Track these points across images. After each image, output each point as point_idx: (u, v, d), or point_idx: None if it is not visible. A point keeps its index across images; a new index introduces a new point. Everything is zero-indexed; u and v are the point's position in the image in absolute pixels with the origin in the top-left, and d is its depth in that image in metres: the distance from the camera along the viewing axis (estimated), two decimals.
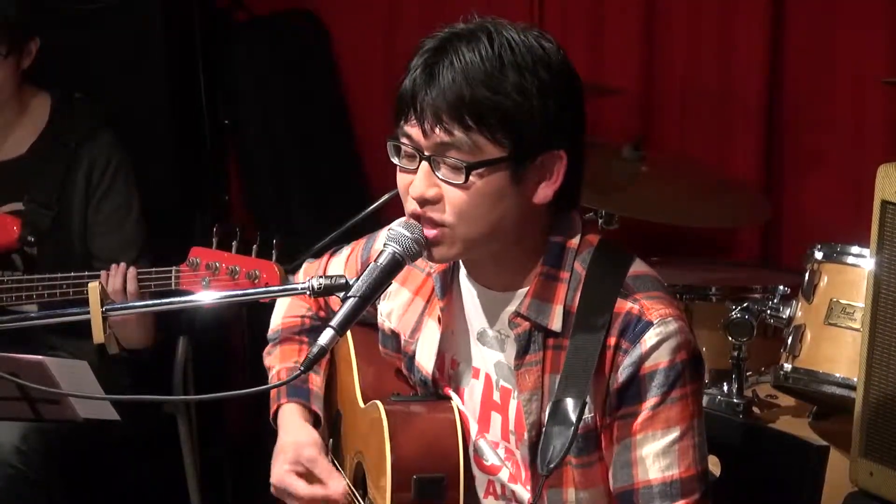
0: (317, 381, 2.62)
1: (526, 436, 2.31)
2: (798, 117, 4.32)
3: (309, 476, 2.49)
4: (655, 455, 2.23)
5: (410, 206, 2.24)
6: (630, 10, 4.41)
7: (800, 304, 3.26)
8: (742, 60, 4.32)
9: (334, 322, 2.17)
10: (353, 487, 2.54)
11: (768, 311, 3.35)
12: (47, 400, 3.24)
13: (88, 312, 2.27)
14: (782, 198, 4.33)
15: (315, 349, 2.15)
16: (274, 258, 3.36)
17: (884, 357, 2.77)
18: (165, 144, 4.37)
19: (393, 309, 2.52)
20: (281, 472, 2.49)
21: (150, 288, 3.44)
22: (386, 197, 3.79)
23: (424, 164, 2.21)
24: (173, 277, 3.43)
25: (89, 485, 3.83)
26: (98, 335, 2.27)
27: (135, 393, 3.78)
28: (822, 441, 2.78)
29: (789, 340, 3.23)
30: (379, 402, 2.43)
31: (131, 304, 2.41)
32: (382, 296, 2.48)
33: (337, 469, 2.57)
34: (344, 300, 2.20)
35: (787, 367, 3.22)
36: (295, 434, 2.53)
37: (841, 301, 3.14)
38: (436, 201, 2.21)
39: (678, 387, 2.22)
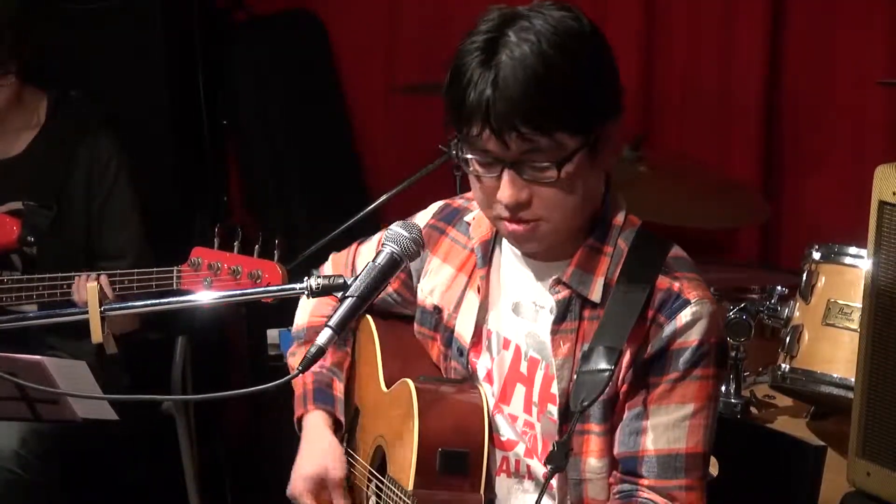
0: (340, 387, 2.64)
1: (557, 401, 2.33)
2: (797, 118, 4.32)
3: (323, 497, 2.53)
4: (665, 426, 2.28)
5: (496, 211, 2.27)
6: (630, 10, 4.41)
7: (797, 304, 3.26)
8: (742, 61, 4.32)
9: (332, 322, 2.19)
10: (372, 473, 2.55)
11: (766, 312, 3.35)
12: (46, 400, 3.24)
13: (87, 312, 2.27)
14: (781, 198, 4.33)
15: (313, 349, 2.16)
16: (276, 258, 3.36)
17: (881, 357, 2.78)
18: (165, 144, 4.37)
19: (436, 286, 2.53)
20: (301, 489, 2.54)
21: (152, 287, 3.44)
22: (385, 197, 3.80)
23: (508, 171, 2.23)
24: (175, 277, 3.43)
25: (89, 487, 3.83)
26: (97, 335, 2.27)
27: (133, 393, 3.78)
28: (820, 441, 2.78)
29: (787, 341, 3.23)
30: (409, 380, 2.45)
31: (130, 304, 2.41)
32: (424, 270, 2.52)
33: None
34: (342, 300, 2.22)
35: (785, 367, 3.22)
36: (323, 449, 2.56)
37: (838, 301, 3.15)
38: (529, 203, 2.25)
39: (701, 366, 2.27)
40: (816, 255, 3.22)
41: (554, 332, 2.34)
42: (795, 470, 2.60)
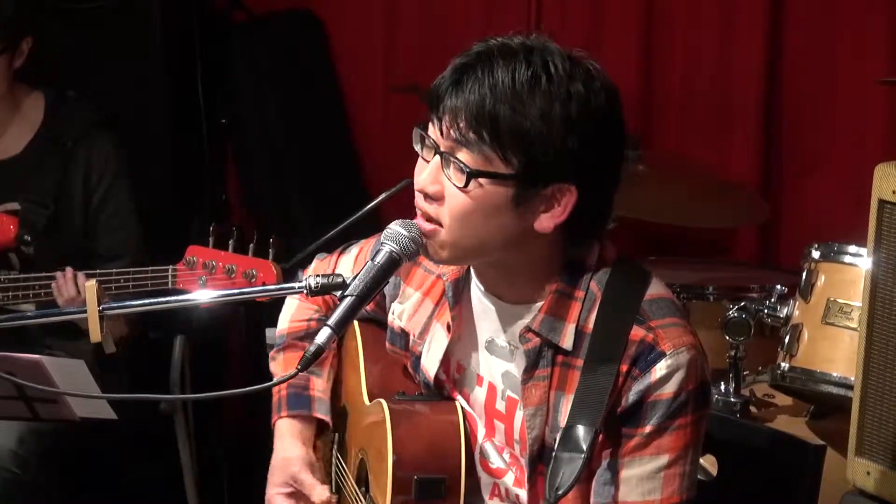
0: (319, 384, 2.62)
1: (528, 449, 2.31)
2: (796, 117, 4.32)
3: (298, 495, 2.52)
4: (639, 478, 2.24)
5: (416, 199, 2.26)
6: (629, 10, 4.41)
7: (797, 303, 3.26)
8: (741, 60, 4.33)
9: (331, 321, 2.17)
10: (356, 485, 2.55)
11: (766, 311, 3.35)
12: (44, 399, 3.24)
13: (85, 311, 2.27)
14: (780, 197, 4.33)
15: (312, 348, 2.15)
16: (271, 257, 3.35)
17: (881, 356, 2.77)
18: (164, 144, 4.37)
19: (404, 310, 2.52)
20: (271, 494, 2.54)
21: (147, 286, 3.44)
22: (384, 196, 3.79)
23: (437, 158, 2.22)
24: (170, 276, 3.43)
25: (87, 486, 3.83)
26: (95, 334, 2.27)
27: (132, 392, 3.78)
28: (820, 440, 2.79)
29: (787, 340, 3.23)
30: (383, 401, 2.43)
31: (128, 303, 2.41)
32: (398, 297, 2.50)
33: (334, 474, 2.58)
34: (341, 299, 2.20)
35: (785, 366, 3.22)
36: (283, 451, 2.56)
37: (838, 300, 3.14)
38: (435, 198, 2.22)
39: (679, 417, 2.23)
40: (816, 254, 3.22)
41: (525, 381, 2.30)
42: (795, 469, 2.60)
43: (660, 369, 2.21)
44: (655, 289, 2.30)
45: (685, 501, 2.26)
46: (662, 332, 2.23)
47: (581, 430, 2.21)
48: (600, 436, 2.24)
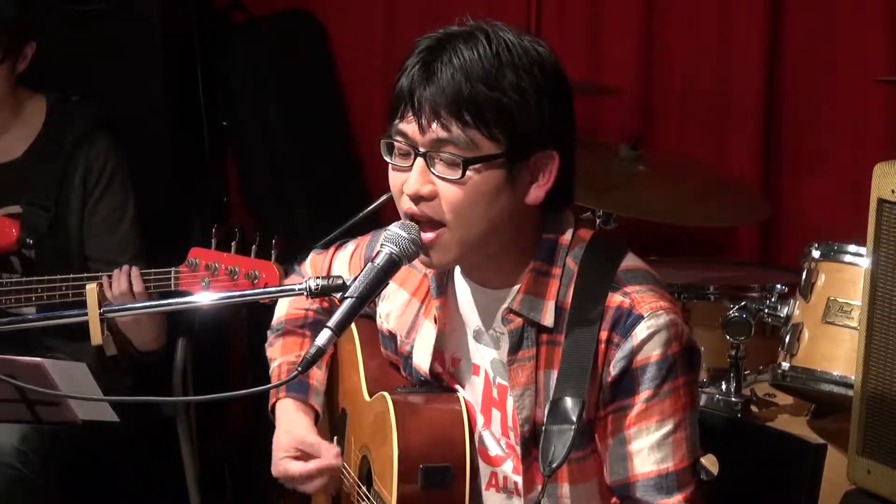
0: (318, 375, 2.64)
1: (519, 430, 2.32)
2: (796, 116, 4.32)
3: (305, 457, 2.52)
4: (650, 448, 2.25)
5: (405, 204, 2.26)
6: (629, 9, 4.41)
7: (797, 302, 3.26)
8: (740, 59, 4.33)
9: (332, 323, 2.18)
10: (358, 482, 2.55)
11: (766, 310, 3.35)
12: (46, 402, 3.23)
13: (86, 314, 2.27)
14: (780, 197, 4.33)
15: (312, 350, 2.16)
16: (273, 258, 3.36)
17: (881, 355, 2.78)
18: (164, 146, 4.36)
19: (391, 310, 2.53)
20: (276, 461, 2.54)
21: (150, 289, 3.44)
22: (385, 197, 3.77)
23: (419, 160, 2.23)
24: (173, 278, 3.43)
25: (89, 486, 3.83)
26: (96, 337, 2.27)
27: (134, 394, 3.78)
28: (820, 439, 2.78)
29: (787, 339, 3.23)
30: (386, 394, 2.44)
31: (128, 305, 2.40)
32: (381, 297, 2.50)
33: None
34: (341, 301, 2.21)
35: (785, 365, 3.22)
36: (288, 426, 2.56)
37: (838, 299, 3.14)
38: (430, 198, 2.23)
39: (670, 379, 2.24)
40: (816, 254, 3.22)
41: (510, 363, 2.32)
42: (796, 468, 2.60)
43: (640, 332, 2.23)
44: (631, 261, 2.33)
45: (694, 462, 2.29)
46: (638, 297, 2.26)
47: (569, 402, 2.23)
48: (592, 413, 2.26)
